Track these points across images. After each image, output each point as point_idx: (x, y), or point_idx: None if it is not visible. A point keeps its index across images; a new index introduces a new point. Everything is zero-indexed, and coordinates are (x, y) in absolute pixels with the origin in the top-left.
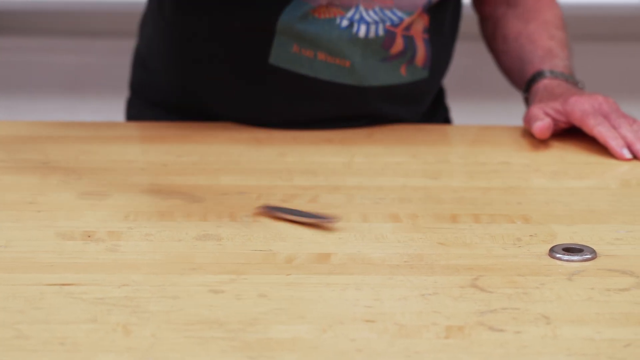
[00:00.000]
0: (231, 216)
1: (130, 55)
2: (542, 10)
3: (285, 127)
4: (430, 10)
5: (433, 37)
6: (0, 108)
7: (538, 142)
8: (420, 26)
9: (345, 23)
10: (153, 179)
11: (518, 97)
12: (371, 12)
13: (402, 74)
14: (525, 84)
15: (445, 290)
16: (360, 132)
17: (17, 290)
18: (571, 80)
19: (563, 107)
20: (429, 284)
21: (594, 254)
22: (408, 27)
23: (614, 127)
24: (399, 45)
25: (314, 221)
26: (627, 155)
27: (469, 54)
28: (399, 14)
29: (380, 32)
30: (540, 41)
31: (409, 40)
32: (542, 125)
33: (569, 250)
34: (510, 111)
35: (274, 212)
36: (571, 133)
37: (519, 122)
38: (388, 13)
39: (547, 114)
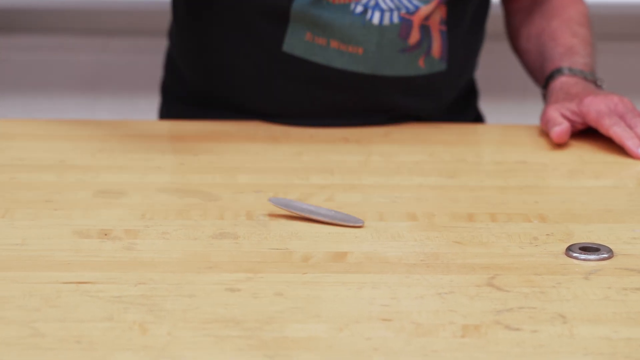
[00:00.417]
0: (248, 215)
1: (147, 53)
2: (567, 7)
3: (301, 117)
4: (448, 2)
5: (451, 30)
6: (17, 106)
7: None
8: (437, 17)
9: (359, 9)
10: (170, 177)
11: (535, 96)
12: None
13: (421, 66)
14: (544, 80)
15: (461, 289)
16: (376, 130)
17: (33, 288)
18: (590, 77)
19: (579, 108)
20: (445, 282)
21: (610, 253)
22: (427, 17)
23: (630, 127)
24: (416, 35)
25: (336, 222)
26: None
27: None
28: (415, 2)
29: (395, 19)
30: (562, 38)
31: (425, 31)
32: (560, 130)
33: (586, 249)
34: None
35: (288, 208)
36: (588, 132)
37: (535, 121)
38: (404, 0)
39: (564, 116)
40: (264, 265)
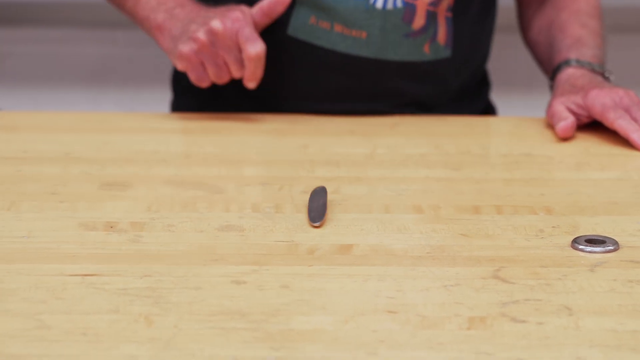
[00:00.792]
0: (253, 207)
1: (152, 46)
2: None
3: (305, 101)
4: None
5: (457, 17)
6: (23, 99)
7: None
8: (445, 4)
9: None
10: (175, 170)
11: (540, 88)
12: None
13: (426, 52)
14: (552, 72)
15: (467, 281)
16: (382, 123)
17: (39, 280)
18: (598, 69)
19: (584, 102)
20: (451, 275)
21: (616, 245)
22: (435, 3)
23: (635, 120)
24: (420, 19)
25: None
26: None
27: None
28: None
29: (399, 3)
30: (570, 30)
31: (432, 16)
32: (565, 125)
33: (592, 241)
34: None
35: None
36: (594, 125)
37: (541, 113)
38: None
39: (569, 110)
40: (269, 257)
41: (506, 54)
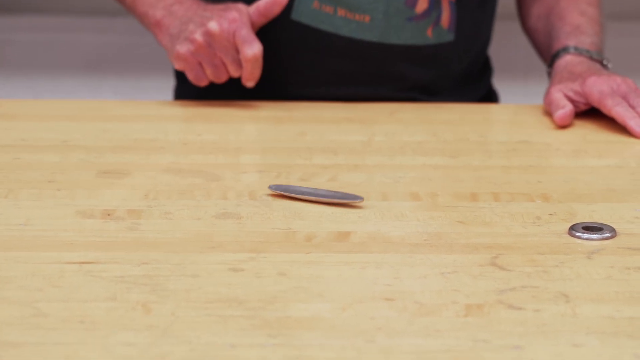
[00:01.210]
0: (251, 195)
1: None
2: None
3: (308, 85)
4: None
5: (460, 1)
6: (21, 87)
7: None
8: None
9: None
10: (173, 157)
11: (539, 75)
12: None
13: (429, 36)
14: (550, 59)
15: (464, 268)
16: (380, 110)
17: (36, 268)
18: (596, 57)
19: (581, 89)
20: (448, 262)
21: (613, 232)
22: None
23: (632, 107)
24: (423, 3)
25: (337, 201)
26: None
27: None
28: None
29: None
30: (569, 17)
31: (435, 0)
32: (563, 114)
33: (589, 228)
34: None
35: (288, 193)
36: (591, 112)
37: (540, 100)
38: None
39: (567, 97)
40: (267, 245)
41: (505, 42)
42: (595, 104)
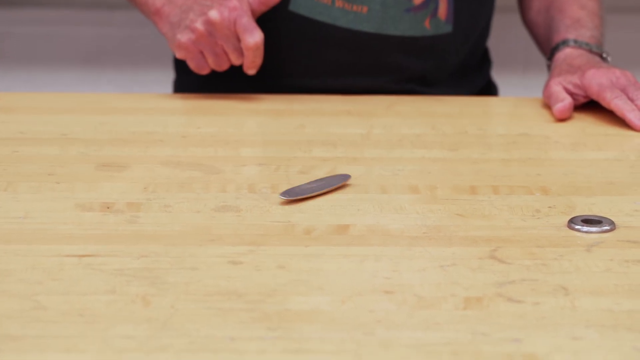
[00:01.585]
0: (250, 188)
1: (150, 26)
2: None
3: (306, 77)
4: None
5: None
6: (20, 80)
7: None
8: None
9: None
10: (172, 150)
11: (539, 68)
12: None
13: (427, 27)
14: (550, 52)
15: (463, 261)
16: (379, 103)
17: (36, 261)
18: (596, 50)
19: (581, 81)
20: (447, 255)
21: (612, 225)
22: None
23: (631, 100)
24: None
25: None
26: None
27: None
28: None
29: None
30: (569, 11)
31: None
32: (562, 107)
33: (588, 221)
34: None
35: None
36: (590, 105)
37: (538, 93)
38: None
39: (566, 90)
40: (266, 238)
41: (505, 34)
42: (594, 97)
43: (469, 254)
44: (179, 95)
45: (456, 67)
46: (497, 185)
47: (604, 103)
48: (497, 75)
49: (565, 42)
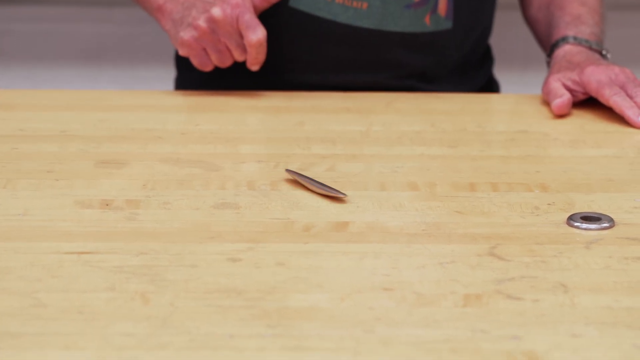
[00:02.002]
0: (249, 185)
1: (149, 23)
2: None
3: (307, 73)
4: None
5: None
6: (20, 77)
7: None
8: None
9: None
10: (171, 147)
11: (539, 65)
12: None
13: (427, 23)
14: (549, 48)
15: (463, 258)
16: (378, 100)
17: (35, 258)
18: (596, 47)
19: (580, 78)
20: (447, 252)
21: (612, 222)
22: None
23: (630, 97)
24: None
25: (326, 192)
26: None
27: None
28: None
29: None
30: (570, 7)
31: None
32: (561, 102)
33: (587, 218)
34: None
35: (297, 177)
36: (589, 102)
37: (538, 91)
38: None
39: (565, 86)
40: (265, 235)
41: (506, 31)
42: (593, 94)
43: (468, 251)
44: (178, 92)
45: (457, 63)
46: (496, 182)
47: (602, 100)
48: (498, 72)
49: (564, 39)
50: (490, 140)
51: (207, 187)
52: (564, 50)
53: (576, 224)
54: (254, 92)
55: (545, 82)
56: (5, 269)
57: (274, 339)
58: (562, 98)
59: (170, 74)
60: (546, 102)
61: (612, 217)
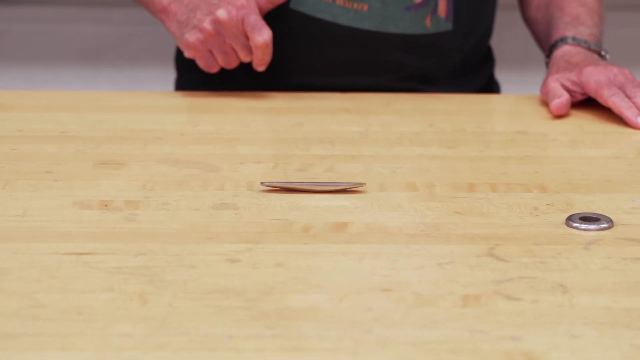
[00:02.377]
0: (248, 185)
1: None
2: None
3: (307, 74)
4: None
5: None
6: (18, 78)
7: None
8: None
9: None
10: (170, 148)
11: (538, 65)
12: None
13: (427, 25)
14: (548, 49)
15: (461, 259)
16: (377, 101)
17: (34, 259)
18: (594, 48)
19: (578, 79)
20: (445, 253)
21: (610, 223)
22: None
23: (629, 97)
24: None
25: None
26: None
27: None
28: None
29: None
30: (569, 8)
31: None
32: (559, 103)
33: (586, 219)
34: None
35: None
36: (588, 102)
37: (537, 91)
38: None
39: (564, 87)
40: (264, 235)
41: (505, 32)
42: (592, 94)
43: (467, 252)
44: (176, 93)
45: (457, 65)
46: (495, 182)
47: (601, 100)
48: (498, 73)
49: (563, 40)
50: (489, 140)
51: (206, 188)
52: (563, 51)
53: (575, 224)
54: (252, 92)
55: (544, 83)
56: (4, 269)
57: (272, 339)
58: (561, 98)
59: (169, 75)
60: (545, 103)
61: (611, 217)
